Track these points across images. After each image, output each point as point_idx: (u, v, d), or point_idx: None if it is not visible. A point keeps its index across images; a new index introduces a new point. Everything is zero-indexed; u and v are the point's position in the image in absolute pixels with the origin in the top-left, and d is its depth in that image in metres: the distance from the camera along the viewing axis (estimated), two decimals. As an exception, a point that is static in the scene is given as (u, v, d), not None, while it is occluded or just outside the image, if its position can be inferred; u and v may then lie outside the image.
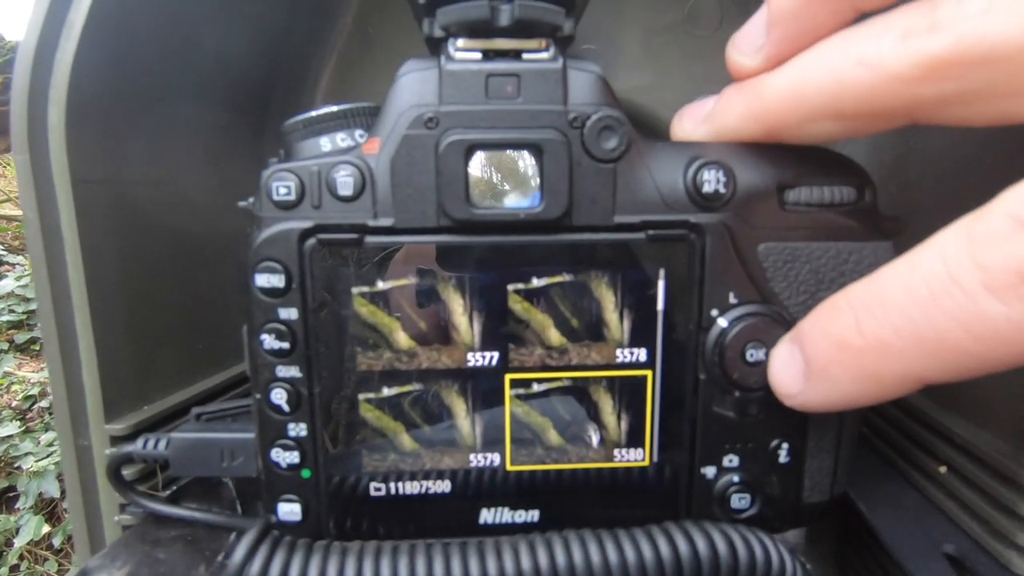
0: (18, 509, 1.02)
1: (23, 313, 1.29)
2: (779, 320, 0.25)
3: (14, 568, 0.97)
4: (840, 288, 0.25)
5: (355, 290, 0.24)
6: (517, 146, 0.23)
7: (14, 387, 1.20)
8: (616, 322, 0.25)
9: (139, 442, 0.29)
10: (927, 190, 0.35)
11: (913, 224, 0.35)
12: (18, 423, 1.10)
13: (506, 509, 0.26)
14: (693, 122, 0.25)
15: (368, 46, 0.44)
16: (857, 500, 0.30)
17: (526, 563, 0.23)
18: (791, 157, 0.25)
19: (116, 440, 0.31)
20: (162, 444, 0.29)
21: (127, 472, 0.31)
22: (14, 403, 1.17)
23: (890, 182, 0.36)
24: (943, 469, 0.30)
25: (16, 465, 1.04)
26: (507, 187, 0.24)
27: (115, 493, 0.31)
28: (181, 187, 0.36)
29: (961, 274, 0.17)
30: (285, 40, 0.42)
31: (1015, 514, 0.26)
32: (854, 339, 0.19)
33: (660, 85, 0.42)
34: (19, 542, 0.97)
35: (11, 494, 1.05)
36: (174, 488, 0.32)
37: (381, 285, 0.24)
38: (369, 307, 0.25)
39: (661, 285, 0.25)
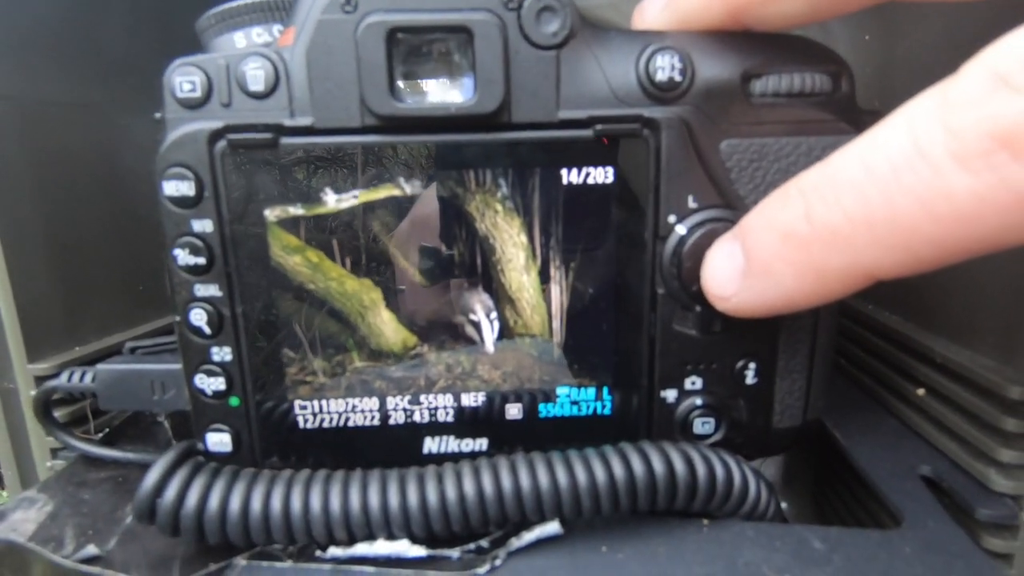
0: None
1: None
2: (743, 227, 0.23)
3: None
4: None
5: (269, 207, 0.22)
6: (444, 29, 0.21)
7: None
8: (564, 231, 0.23)
9: (64, 375, 0.27)
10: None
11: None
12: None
13: (452, 438, 0.24)
14: (654, 10, 0.23)
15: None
16: (833, 429, 0.29)
17: (469, 487, 0.21)
18: (758, 42, 0.23)
19: (41, 380, 0.29)
20: (88, 377, 0.27)
21: (59, 414, 0.29)
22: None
23: (871, 86, 0.34)
24: (921, 392, 0.28)
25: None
26: (436, 78, 0.21)
27: (45, 438, 0.30)
28: (108, 114, 0.33)
29: (927, 143, 0.14)
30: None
31: (998, 429, 0.24)
32: (801, 228, 0.17)
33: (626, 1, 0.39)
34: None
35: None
36: (107, 431, 0.30)
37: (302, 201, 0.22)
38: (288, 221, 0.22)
39: (611, 189, 0.22)
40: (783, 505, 0.36)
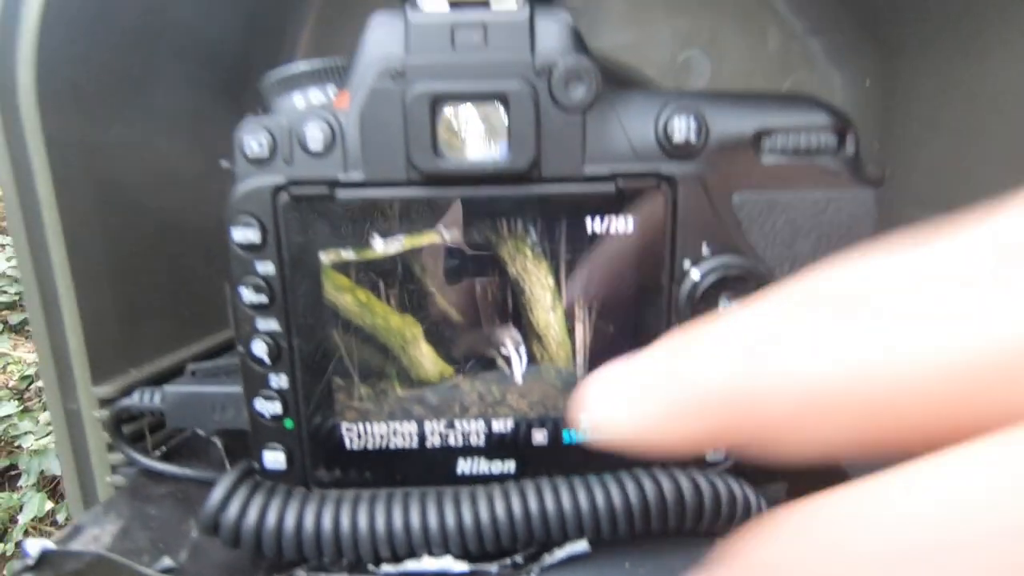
0: (20, 487, 1.04)
1: (16, 294, 1.29)
2: (753, 272, 0.25)
3: (20, 543, 0.99)
4: (819, 238, 0.25)
5: (324, 251, 0.24)
6: (483, 97, 0.23)
7: (10, 367, 1.21)
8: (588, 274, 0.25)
9: (135, 395, 0.30)
10: (906, 143, 0.35)
11: (897, 180, 0.35)
12: (16, 402, 1.12)
13: (483, 460, 0.27)
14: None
15: (346, 1, 0.43)
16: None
17: (500, 509, 0.23)
18: (768, 103, 0.25)
19: (104, 403, 0.31)
20: (157, 398, 0.30)
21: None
22: (11, 383, 1.18)
23: (872, 129, 0.36)
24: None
25: (16, 444, 1.06)
26: (475, 139, 0.24)
27: (106, 455, 0.32)
28: (161, 151, 0.36)
29: None
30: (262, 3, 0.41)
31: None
32: None
33: (645, 43, 0.42)
34: (23, 519, 0.99)
35: (13, 472, 1.07)
36: (164, 449, 0.33)
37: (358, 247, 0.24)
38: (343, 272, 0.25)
39: (631, 237, 0.25)
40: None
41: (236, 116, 0.40)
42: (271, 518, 0.23)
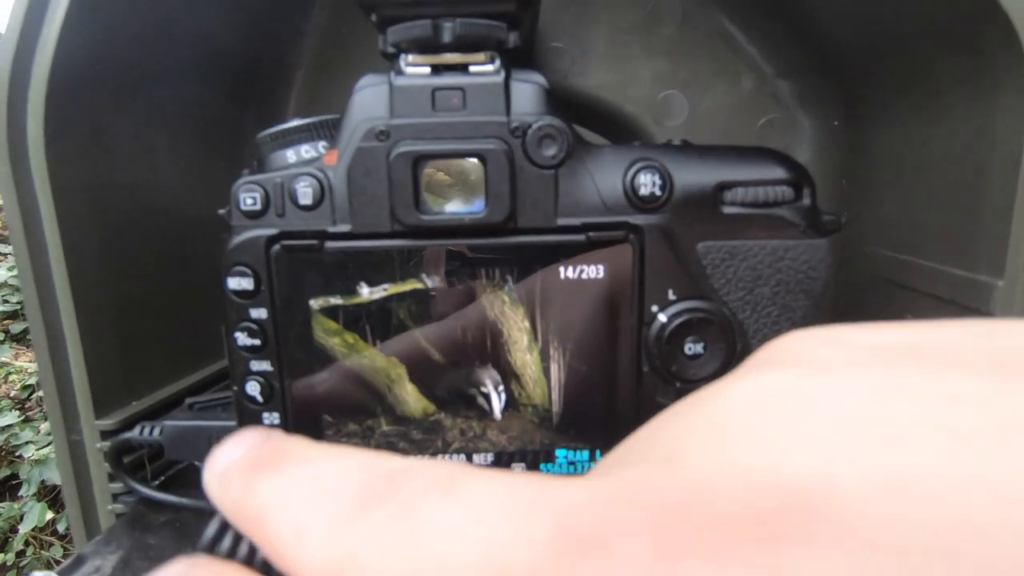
0: (21, 496, 1.05)
1: (17, 303, 1.29)
2: (717, 315, 0.27)
3: (20, 553, 1.00)
4: (777, 284, 0.27)
5: (314, 298, 0.26)
6: (462, 155, 0.25)
7: (12, 377, 1.22)
8: (562, 318, 0.27)
9: (136, 429, 0.32)
10: (873, 182, 0.37)
11: (864, 217, 0.37)
12: (17, 412, 1.13)
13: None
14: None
15: (343, 46, 0.45)
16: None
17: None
18: (730, 158, 0.27)
19: (106, 434, 0.33)
20: (156, 431, 0.31)
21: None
22: (12, 393, 1.19)
23: (840, 168, 0.38)
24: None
25: (17, 454, 1.07)
26: (454, 194, 0.25)
27: (107, 484, 0.34)
28: (164, 186, 0.38)
29: None
30: (263, 42, 0.43)
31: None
32: None
33: (626, 82, 0.44)
34: (24, 528, 1.00)
35: (14, 482, 1.08)
36: (162, 479, 0.34)
37: (343, 293, 0.26)
38: (330, 317, 0.26)
39: (602, 283, 0.26)
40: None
41: (236, 149, 0.42)
42: (261, 554, 0.25)
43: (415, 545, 0.09)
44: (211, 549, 0.25)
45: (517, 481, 0.10)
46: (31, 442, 1.07)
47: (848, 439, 0.08)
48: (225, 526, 0.26)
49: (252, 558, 0.25)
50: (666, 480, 0.09)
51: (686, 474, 0.09)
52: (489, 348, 0.27)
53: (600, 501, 0.09)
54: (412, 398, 0.28)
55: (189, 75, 0.38)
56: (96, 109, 0.33)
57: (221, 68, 0.41)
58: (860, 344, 0.10)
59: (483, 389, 0.28)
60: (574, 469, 0.28)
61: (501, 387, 0.27)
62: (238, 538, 0.25)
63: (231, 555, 0.25)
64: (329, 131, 0.28)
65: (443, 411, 0.28)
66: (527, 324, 0.27)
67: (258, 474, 0.13)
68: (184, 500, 0.32)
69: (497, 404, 0.28)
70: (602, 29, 0.43)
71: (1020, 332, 0.10)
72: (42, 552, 1.03)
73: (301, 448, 0.14)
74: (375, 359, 0.27)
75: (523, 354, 0.27)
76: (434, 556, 0.09)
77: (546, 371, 0.27)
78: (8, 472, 1.09)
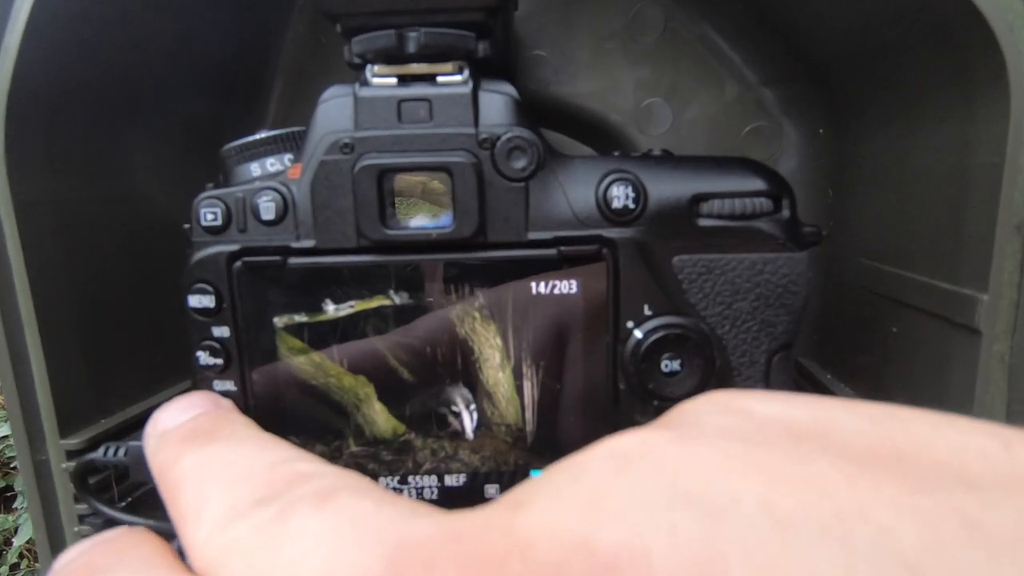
0: (16, 509, 1.04)
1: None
2: (694, 331, 0.26)
3: (14, 567, 0.99)
4: (756, 299, 0.26)
5: (278, 316, 0.25)
6: (428, 168, 0.24)
7: (8, 388, 1.21)
8: (534, 334, 0.26)
9: (100, 450, 0.31)
10: (859, 191, 0.36)
11: (850, 228, 0.36)
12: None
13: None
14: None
15: (322, 56, 0.45)
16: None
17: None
18: (706, 169, 0.26)
19: (72, 454, 0.32)
20: (121, 452, 0.30)
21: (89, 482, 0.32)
22: (8, 405, 1.18)
23: (826, 177, 0.37)
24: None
25: (12, 465, 1.06)
26: (420, 209, 0.25)
27: (73, 505, 0.33)
28: (136, 199, 0.37)
29: None
30: (239, 51, 0.42)
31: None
32: None
33: (609, 90, 0.43)
34: (18, 541, 0.99)
35: (9, 494, 1.07)
36: (129, 500, 0.33)
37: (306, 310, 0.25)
38: (295, 332, 0.26)
39: (575, 298, 0.25)
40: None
41: (214, 167, 0.42)
42: None
43: (273, 554, 0.10)
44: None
45: (385, 505, 0.11)
46: (26, 454, 1.06)
47: (675, 511, 0.08)
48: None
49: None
50: (501, 527, 0.09)
51: (521, 522, 0.09)
52: (460, 366, 0.26)
53: (436, 538, 0.10)
54: (381, 418, 0.27)
55: (164, 85, 0.38)
56: (62, 119, 0.32)
57: (197, 78, 0.40)
58: (759, 415, 0.10)
59: (454, 408, 0.27)
60: (548, 490, 0.27)
61: (473, 406, 0.27)
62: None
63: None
64: (296, 144, 0.27)
65: (413, 431, 0.27)
66: (499, 341, 0.26)
67: (187, 445, 0.15)
68: (150, 522, 0.31)
69: (469, 424, 0.27)
70: (584, 37, 0.43)
71: (915, 426, 0.09)
72: (36, 565, 1.02)
73: (237, 427, 0.15)
74: (342, 378, 0.26)
75: (495, 372, 0.26)
76: (285, 565, 0.10)
77: (519, 389, 0.26)
78: (3, 484, 1.08)
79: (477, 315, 0.26)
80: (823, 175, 0.38)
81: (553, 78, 0.43)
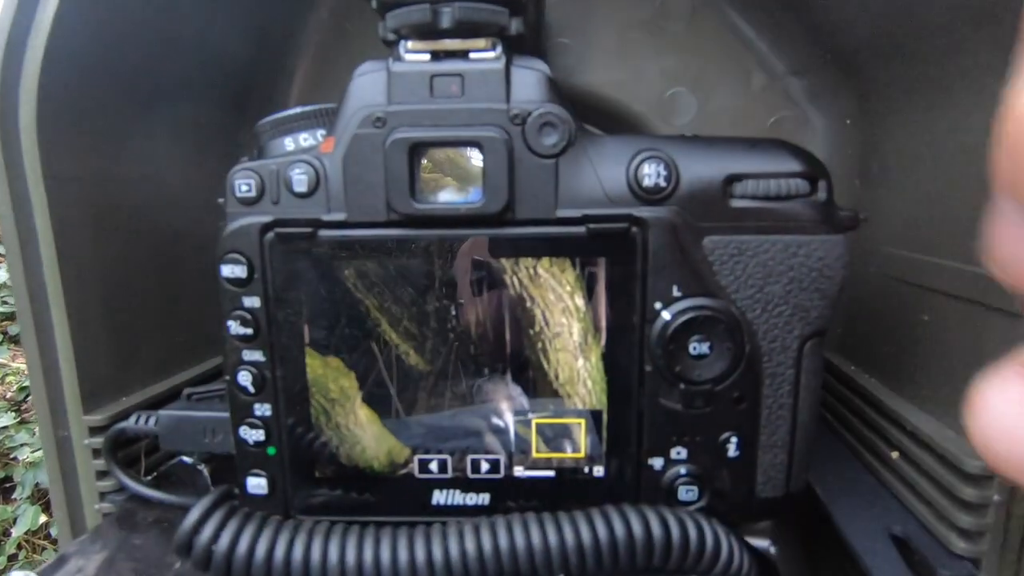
0: (15, 499, 1.05)
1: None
2: (724, 314, 0.25)
3: (12, 557, 0.99)
4: (789, 282, 0.26)
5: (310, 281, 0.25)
6: (459, 143, 0.24)
7: (8, 378, 1.22)
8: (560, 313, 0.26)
9: (132, 418, 0.31)
10: (887, 182, 0.35)
11: (876, 217, 0.36)
12: (13, 414, 1.12)
13: (458, 492, 0.27)
14: None
15: (346, 41, 0.45)
16: (814, 483, 0.31)
17: (471, 546, 0.23)
18: (740, 149, 0.25)
19: (95, 430, 0.32)
20: (152, 421, 0.31)
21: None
22: (8, 394, 1.19)
23: (852, 167, 0.37)
24: (895, 454, 0.31)
25: (12, 456, 1.06)
26: (451, 183, 0.25)
27: (95, 483, 0.33)
28: (162, 182, 0.37)
29: None
30: (264, 34, 0.43)
31: (957, 498, 0.26)
32: None
33: (633, 80, 0.43)
34: (17, 531, 0.99)
35: (7, 484, 1.08)
36: (154, 475, 0.33)
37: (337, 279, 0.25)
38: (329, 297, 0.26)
39: (604, 278, 0.25)
40: (772, 549, 0.38)
41: (237, 144, 0.42)
42: (243, 544, 0.24)
43: None
44: (191, 537, 0.24)
45: None
46: (26, 444, 1.07)
47: None
48: (208, 513, 0.25)
49: (233, 548, 0.24)
50: None
51: None
52: (490, 343, 0.26)
53: None
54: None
55: (188, 67, 0.38)
56: (91, 100, 0.32)
57: (221, 60, 0.40)
58: None
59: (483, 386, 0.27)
60: (577, 468, 0.27)
61: (501, 384, 0.26)
62: (221, 526, 0.24)
63: (213, 543, 0.24)
64: (328, 119, 0.27)
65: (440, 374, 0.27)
66: (533, 317, 0.26)
67: None
68: (174, 498, 0.31)
69: (500, 402, 0.27)
70: (609, 25, 0.43)
71: None
72: (34, 556, 1.03)
73: None
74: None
75: (521, 351, 0.26)
76: None
77: (543, 368, 0.26)
78: (2, 474, 1.08)
79: (517, 288, 0.26)
80: (850, 165, 0.38)
81: (577, 66, 0.43)
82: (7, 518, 1.02)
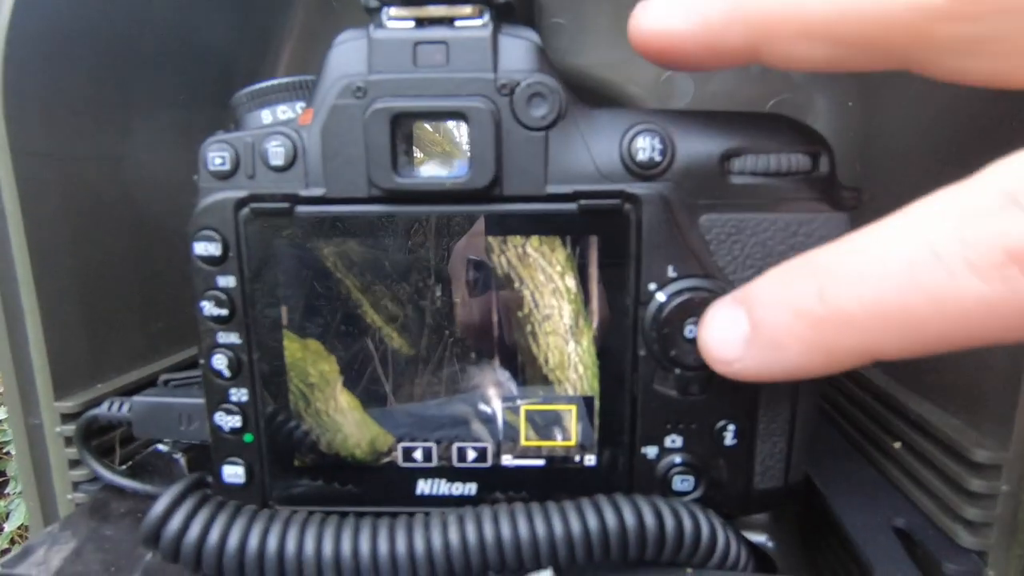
0: (8, 494, 1.03)
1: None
2: (721, 295, 0.24)
3: (5, 551, 0.98)
4: (789, 262, 0.25)
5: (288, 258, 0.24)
6: (443, 115, 0.23)
7: (0, 372, 1.20)
8: (551, 294, 0.25)
9: (104, 405, 0.30)
10: (889, 165, 0.34)
11: (880, 203, 0.35)
12: (5, 408, 1.11)
13: (443, 481, 0.26)
14: (658, 11, 0.20)
15: (332, 16, 0.43)
16: (813, 475, 0.30)
17: (455, 536, 0.22)
18: (738, 123, 0.24)
19: (67, 417, 0.31)
20: (125, 407, 0.30)
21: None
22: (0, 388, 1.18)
23: (853, 149, 0.36)
24: (897, 444, 0.30)
25: (5, 450, 1.05)
26: (434, 156, 0.23)
27: (67, 472, 0.32)
28: (139, 162, 0.36)
29: (943, 248, 0.15)
30: (248, 9, 0.41)
31: (963, 489, 0.25)
32: (815, 308, 0.18)
33: (629, 61, 0.42)
34: (9, 526, 0.98)
35: (1, 479, 1.06)
36: (130, 464, 0.32)
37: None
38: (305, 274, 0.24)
39: (595, 257, 0.24)
40: (769, 544, 0.37)
41: (218, 125, 0.40)
42: (214, 534, 0.23)
43: None
44: (159, 528, 0.23)
45: None
46: (20, 439, 1.05)
47: None
48: (176, 502, 0.23)
49: (204, 539, 0.23)
50: None
51: None
52: (475, 327, 0.25)
53: None
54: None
55: (167, 41, 0.36)
56: (63, 72, 0.31)
57: (203, 35, 0.39)
58: None
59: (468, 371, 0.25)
60: (567, 457, 0.26)
61: (487, 369, 0.25)
62: (191, 516, 0.23)
63: (182, 533, 0.23)
64: (309, 91, 0.26)
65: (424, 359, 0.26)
66: (519, 298, 0.25)
67: None
68: (149, 487, 0.30)
69: (486, 387, 0.25)
70: (605, 4, 0.41)
71: None
72: (29, 548, 1.01)
73: None
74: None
75: (510, 334, 0.25)
76: None
77: (532, 351, 0.25)
78: (-4, 469, 1.07)
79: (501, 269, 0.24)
80: (852, 148, 0.37)
81: (571, 47, 0.42)
82: (0, 512, 1.01)
